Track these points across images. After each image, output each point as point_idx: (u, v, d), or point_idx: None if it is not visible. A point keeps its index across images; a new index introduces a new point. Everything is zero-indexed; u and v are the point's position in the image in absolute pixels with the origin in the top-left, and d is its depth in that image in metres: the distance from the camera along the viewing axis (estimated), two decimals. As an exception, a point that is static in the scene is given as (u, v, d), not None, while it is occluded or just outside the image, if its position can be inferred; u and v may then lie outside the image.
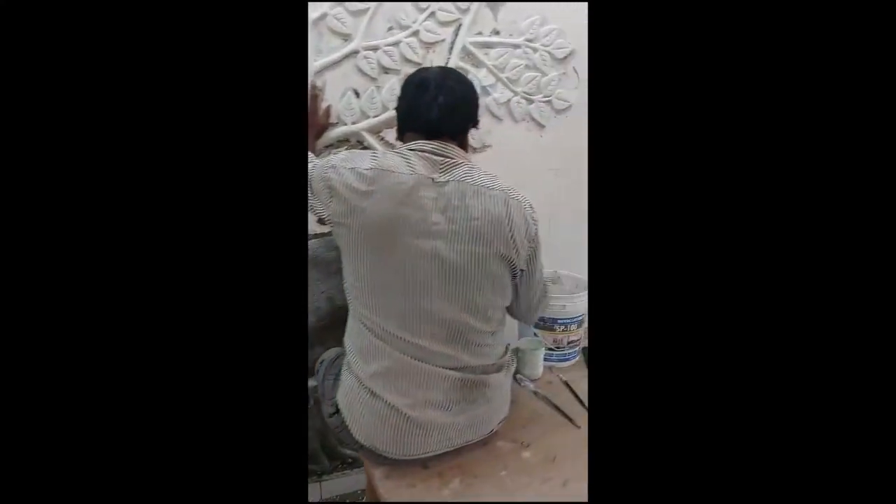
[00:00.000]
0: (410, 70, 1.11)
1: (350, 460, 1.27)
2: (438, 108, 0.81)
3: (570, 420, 0.93)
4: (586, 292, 1.11)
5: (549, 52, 1.21)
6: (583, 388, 1.04)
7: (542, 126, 1.27)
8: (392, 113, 0.95)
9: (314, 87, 1.03)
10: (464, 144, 0.88)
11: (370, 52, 1.08)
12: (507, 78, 1.20)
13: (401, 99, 0.86)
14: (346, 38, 1.05)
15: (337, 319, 1.06)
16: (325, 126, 1.05)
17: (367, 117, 1.12)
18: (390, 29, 1.08)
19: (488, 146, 1.24)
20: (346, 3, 1.03)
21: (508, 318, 0.89)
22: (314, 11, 1.01)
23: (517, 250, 0.82)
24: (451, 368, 0.78)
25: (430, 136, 0.82)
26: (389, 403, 0.76)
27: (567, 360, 1.13)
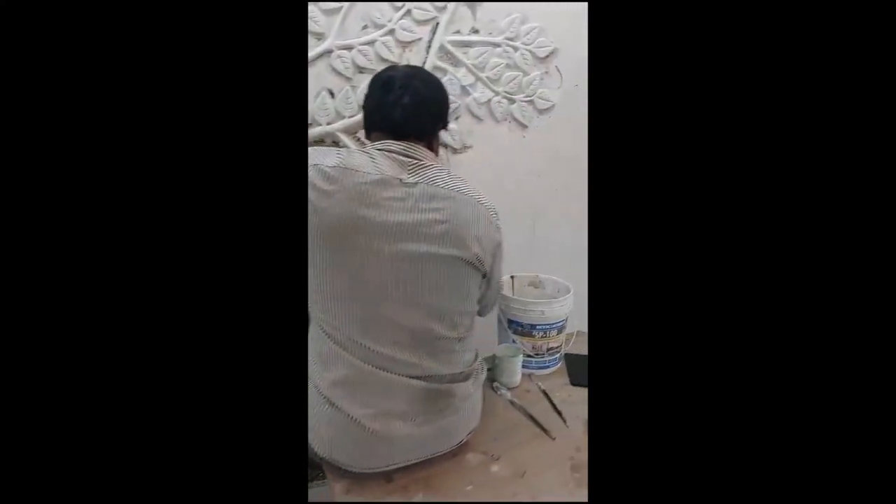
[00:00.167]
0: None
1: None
2: (403, 108, 0.79)
3: (545, 431, 0.90)
4: (567, 297, 1.07)
5: (530, 51, 1.18)
6: (562, 397, 1.01)
7: (524, 126, 1.24)
8: (368, 113, 0.93)
9: None
10: (433, 146, 0.85)
11: (344, 51, 1.05)
12: (488, 77, 1.17)
13: (367, 97, 0.84)
14: (320, 37, 1.03)
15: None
16: None
17: (343, 118, 1.09)
18: (365, 28, 1.06)
19: (469, 147, 1.22)
20: (319, 2, 1.01)
21: (483, 322, 0.87)
22: (284, 10, 0.99)
23: (484, 256, 0.79)
24: (415, 377, 0.75)
25: (396, 136, 0.80)
26: (349, 415, 0.73)
27: (547, 367, 1.09)
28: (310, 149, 0.82)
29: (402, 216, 0.74)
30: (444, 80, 1.13)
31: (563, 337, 1.10)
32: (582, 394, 1.02)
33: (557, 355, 1.11)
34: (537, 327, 1.05)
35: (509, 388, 1.02)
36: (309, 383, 0.77)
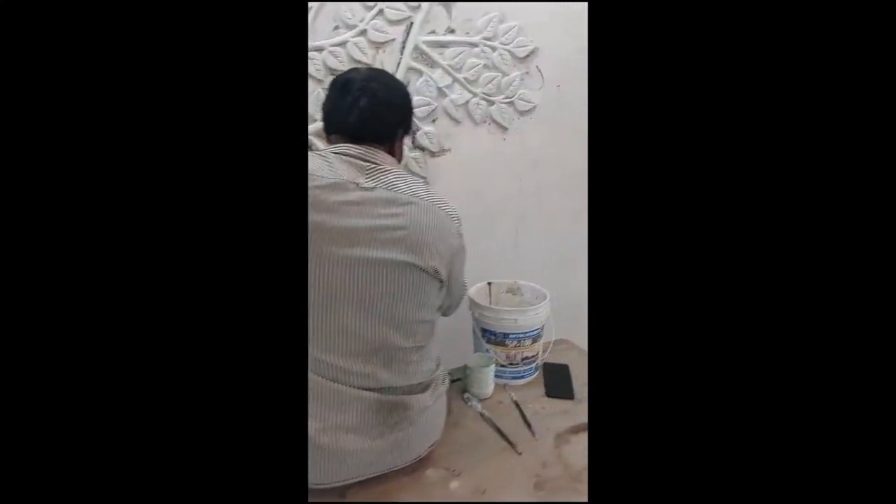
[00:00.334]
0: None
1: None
2: (360, 111, 0.76)
3: (511, 445, 0.86)
4: (542, 305, 1.04)
5: (509, 51, 1.15)
6: (534, 409, 0.97)
7: (504, 129, 1.21)
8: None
9: None
10: (394, 151, 0.82)
11: (315, 52, 1.03)
12: (465, 78, 1.14)
13: (325, 99, 0.82)
14: (290, 38, 1.01)
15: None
16: None
17: (315, 120, 1.07)
18: (336, 28, 1.04)
19: (447, 150, 1.19)
20: (287, 2, 0.99)
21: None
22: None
23: (442, 263, 0.76)
24: (367, 389, 0.72)
25: (353, 139, 0.77)
26: (299, 427, 0.71)
27: (522, 377, 1.06)
28: None
29: (358, 221, 0.72)
30: (420, 81, 1.11)
31: (539, 346, 1.06)
32: (556, 406, 0.99)
33: (533, 365, 1.07)
34: (510, 336, 1.01)
35: (481, 399, 0.99)
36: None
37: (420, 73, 1.11)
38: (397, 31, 1.07)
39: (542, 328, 1.06)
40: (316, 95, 1.05)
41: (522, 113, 1.21)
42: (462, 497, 0.76)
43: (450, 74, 1.13)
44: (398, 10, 1.05)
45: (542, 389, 1.04)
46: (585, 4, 1.17)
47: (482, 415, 0.95)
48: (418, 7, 1.06)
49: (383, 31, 1.06)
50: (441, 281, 0.78)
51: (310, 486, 0.74)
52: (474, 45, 1.12)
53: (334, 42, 1.04)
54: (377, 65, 1.07)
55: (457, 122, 1.17)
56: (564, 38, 1.18)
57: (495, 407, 0.98)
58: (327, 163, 0.74)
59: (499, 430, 0.90)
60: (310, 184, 0.71)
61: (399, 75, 1.09)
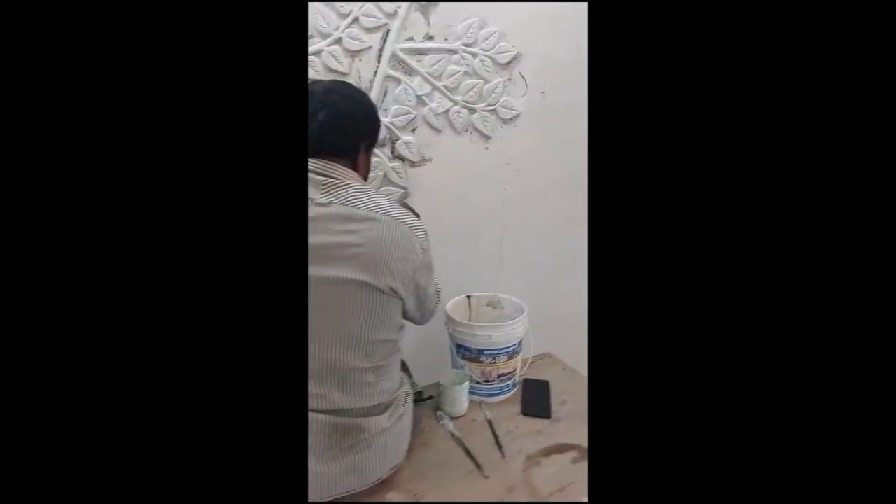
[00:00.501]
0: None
1: None
2: (319, 124, 0.75)
3: (478, 468, 0.83)
4: (518, 320, 1.00)
5: (490, 57, 1.12)
6: (508, 428, 0.94)
7: (487, 137, 1.18)
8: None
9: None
10: (357, 164, 0.80)
11: (290, 62, 1.02)
12: (445, 86, 1.11)
13: None
14: (264, 48, 1.00)
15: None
16: None
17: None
18: (311, 37, 1.02)
19: (428, 160, 1.16)
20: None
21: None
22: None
23: (402, 281, 0.74)
24: (319, 411, 0.71)
25: (311, 153, 0.75)
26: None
27: (498, 394, 1.03)
28: None
29: (311, 238, 0.70)
30: (398, 90, 1.08)
31: (516, 362, 1.03)
32: (531, 425, 0.95)
33: (510, 382, 1.03)
34: (485, 352, 0.98)
35: (453, 418, 0.96)
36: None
37: (398, 81, 1.08)
38: (374, 39, 1.05)
39: (520, 344, 1.02)
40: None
41: (506, 121, 1.18)
42: (419, 523, 0.74)
43: (429, 82, 1.10)
44: (374, 17, 1.03)
45: (518, 407, 1.01)
46: (569, 9, 1.14)
47: (453, 435, 0.92)
48: (394, 13, 1.04)
49: (359, 40, 1.04)
50: (402, 299, 0.76)
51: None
52: (454, 51, 1.10)
53: (309, 51, 1.02)
54: (354, 74, 1.05)
55: (437, 131, 1.14)
56: (549, 43, 1.14)
57: (468, 426, 0.95)
58: None
59: (468, 452, 0.87)
60: None
61: (376, 84, 1.07)
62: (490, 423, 0.95)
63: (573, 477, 0.82)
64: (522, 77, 1.15)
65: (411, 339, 1.20)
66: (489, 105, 1.15)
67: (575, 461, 0.85)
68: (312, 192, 0.72)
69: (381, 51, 1.06)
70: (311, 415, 0.70)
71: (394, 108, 1.09)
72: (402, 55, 1.07)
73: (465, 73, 1.11)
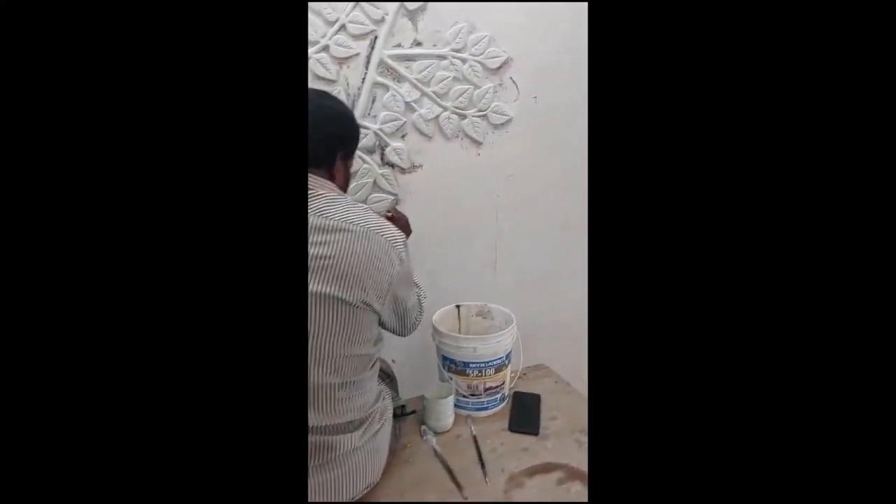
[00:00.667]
0: (324, 89, 1.04)
1: None
2: (291, 132, 0.73)
3: (458, 487, 0.80)
4: (505, 332, 0.97)
5: (479, 62, 1.09)
6: (492, 445, 0.91)
7: (478, 143, 1.15)
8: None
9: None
10: (333, 174, 0.78)
11: (276, 70, 1.01)
12: (434, 92, 1.09)
13: None
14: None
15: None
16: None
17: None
18: (297, 45, 1.01)
19: (419, 166, 1.14)
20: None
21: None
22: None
23: (376, 295, 0.71)
24: (289, 428, 0.69)
25: None
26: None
27: (486, 408, 0.99)
28: None
29: None
30: (387, 96, 1.07)
31: (504, 375, 1.00)
32: (517, 442, 0.92)
33: (498, 395, 1.00)
34: (471, 365, 0.95)
35: (438, 433, 0.94)
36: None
37: (387, 88, 1.07)
38: (361, 46, 1.04)
39: (508, 356, 0.99)
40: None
41: (497, 126, 1.15)
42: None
43: (418, 88, 1.08)
44: (361, 24, 1.02)
45: (506, 422, 0.97)
46: (562, 10, 1.11)
47: (435, 451, 0.89)
48: (381, 20, 1.02)
49: (346, 46, 1.03)
50: (377, 312, 0.74)
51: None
52: (443, 57, 1.08)
53: (295, 59, 1.01)
54: (342, 81, 1.04)
55: (427, 137, 1.12)
56: (540, 46, 1.11)
57: (452, 442, 0.92)
58: None
59: (449, 470, 0.84)
60: None
61: (364, 91, 1.06)
62: (475, 439, 0.92)
63: (556, 499, 0.78)
64: (514, 82, 1.13)
65: (399, 351, 1.19)
66: (480, 110, 1.13)
67: (560, 482, 0.82)
68: None
69: (368, 57, 1.05)
70: (279, 431, 0.68)
71: (383, 114, 1.08)
72: (390, 61, 1.05)
73: (455, 78, 1.09)
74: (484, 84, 1.11)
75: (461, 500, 0.79)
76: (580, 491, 0.79)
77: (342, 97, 1.04)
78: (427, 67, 1.07)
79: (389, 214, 1.02)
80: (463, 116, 1.12)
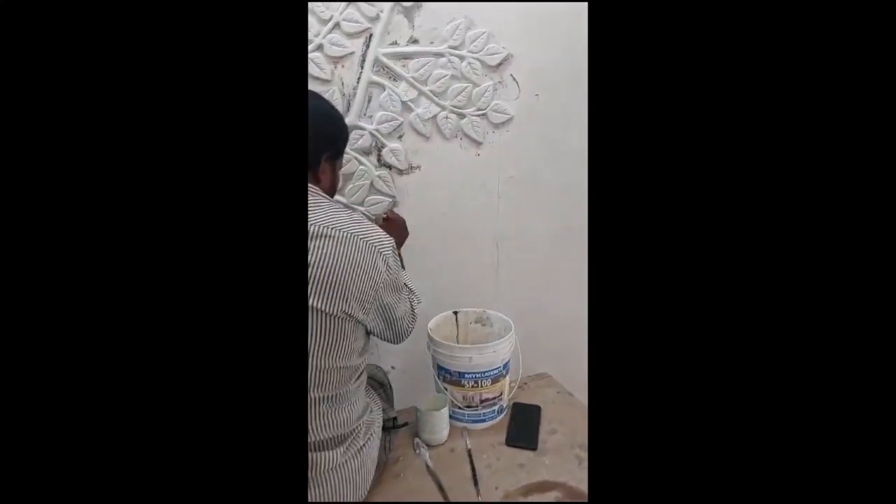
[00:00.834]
0: (318, 89, 1.01)
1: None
2: (273, 134, 0.70)
3: (448, 506, 0.77)
4: (503, 340, 0.93)
5: (478, 60, 1.05)
6: (488, 461, 0.86)
7: (478, 143, 1.11)
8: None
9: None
10: (317, 178, 0.75)
11: (269, 70, 0.99)
12: (432, 91, 1.05)
13: None
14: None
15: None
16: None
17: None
18: (290, 44, 0.98)
19: (417, 167, 1.11)
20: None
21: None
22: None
23: (359, 304, 0.68)
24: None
25: None
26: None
27: (482, 421, 0.95)
28: None
29: None
30: (383, 96, 1.03)
31: (501, 385, 0.95)
32: (514, 457, 0.87)
33: (496, 407, 0.96)
34: (466, 376, 0.91)
35: (432, 446, 0.90)
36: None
37: (382, 87, 1.04)
38: (356, 44, 1.01)
39: (506, 366, 0.95)
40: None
41: (497, 125, 1.11)
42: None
43: (415, 87, 1.05)
44: (356, 21, 0.99)
45: (504, 436, 0.93)
46: (563, 6, 1.06)
47: (427, 466, 0.85)
48: (377, 17, 0.99)
49: (341, 45, 1.00)
50: (361, 322, 0.70)
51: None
52: (440, 54, 1.04)
53: (288, 59, 0.99)
54: (336, 81, 1.01)
55: (425, 137, 1.08)
56: (541, 42, 1.07)
57: (446, 456, 0.88)
58: None
59: (440, 487, 0.80)
60: None
61: (360, 90, 1.03)
62: (469, 454, 0.88)
63: (553, 520, 0.74)
64: (514, 79, 1.08)
65: (399, 357, 1.16)
66: (479, 109, 1.09)
67: (557, 501, 0.77)
68: None
69: (363, 56, 1.02)
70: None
71: (379, 114, 1.05)
72: (385, 60, 1.02)
73: (453, 76, 1.05)
74: (483, 82, 1.07)
75: (451, 519, 0.75)
76: (578, 512, 0.75)
77: (337, 97, 1.01)
78: (424, 65, 1.04)
79: (386, 217, 0.99)
80: (462, 116, 1.08)
